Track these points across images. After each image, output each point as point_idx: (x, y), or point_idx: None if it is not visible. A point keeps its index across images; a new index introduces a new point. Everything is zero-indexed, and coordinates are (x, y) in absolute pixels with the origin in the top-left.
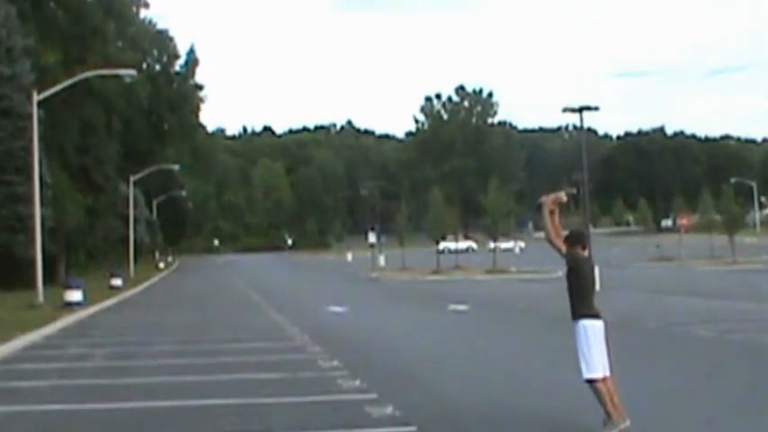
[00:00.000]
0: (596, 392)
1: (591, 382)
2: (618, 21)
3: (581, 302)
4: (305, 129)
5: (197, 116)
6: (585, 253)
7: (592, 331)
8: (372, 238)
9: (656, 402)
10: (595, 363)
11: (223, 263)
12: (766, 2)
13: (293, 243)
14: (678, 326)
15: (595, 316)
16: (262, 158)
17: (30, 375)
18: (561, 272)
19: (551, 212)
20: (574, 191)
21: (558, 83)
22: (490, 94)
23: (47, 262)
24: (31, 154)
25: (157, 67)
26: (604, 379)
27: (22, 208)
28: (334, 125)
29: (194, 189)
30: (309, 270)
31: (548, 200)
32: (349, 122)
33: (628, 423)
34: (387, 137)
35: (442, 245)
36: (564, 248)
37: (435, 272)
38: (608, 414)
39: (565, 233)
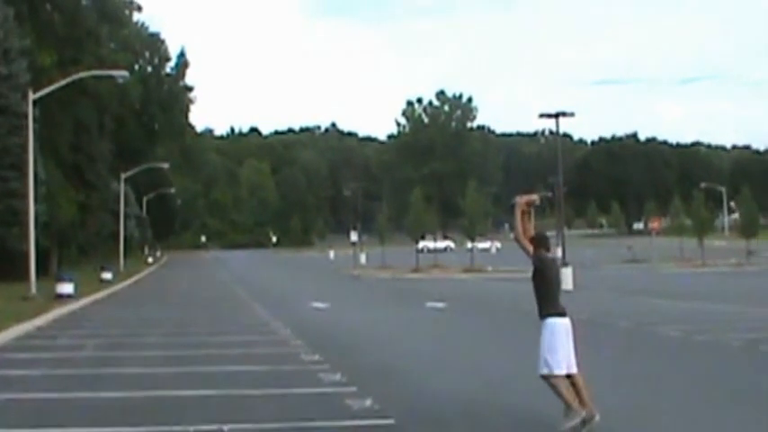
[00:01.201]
0: (553, 387)
1: (547, 377)
2: (593, 30)
3: (547, 302)
4: (290, 130)
5: (186, 117)
6: (549, 255)
7: (558, 329)
8: (354, 236)
9: (625, 398)
10: (559, 359)
11: (210, 258)
12: (736, 14)
13: (277, 240)
14: (648, 325)
15: (561, 314)
16: (248, 158)
17: (22, 364)
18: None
19: (523, 213)
20: (549, 194)
21: (535, 89)
22: (470, 99)
23: (40, 255)
24: (26, 151)
25: (149, 69)
26: (570, 375)
27: (16, 203)
28: (319, 127)
29: (183, 187)
30: (293, 267)
31: (521, 201)
32: (333, 125)
33: (597, 418)
34: (369, 139)
35: (422, 244)
36: (531, 249)
37: (414, 270)
38: (568, 405)
39: (532, 234)
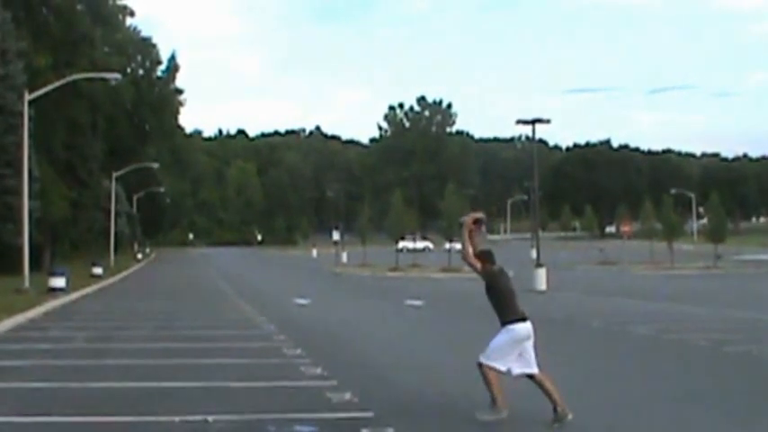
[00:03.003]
0: (484, 377)
1: (482, 366)
2: (569, 41)
3: (506, 310)
4: (276, 133)
5: (176, 118)
6: (496, 267)
7: (520, 333)
8: (336, 236)
9: (596, 396)
10: (504, 358)
11: (197, 256)
12: (704, 29)
13: (262, 239)
14: (619, 325)
15: (522, 319)
16: (235, 159)
17: (14, 355)
18: (511, 273)
19: (471, 232)
20: (525, 197)
21: (513, 97)
22: (449, 105)
23: (33, 250)
24: (21, 149)
25: (141, 72)
26: (532, 376)
27: (11, 199)
28: (304, 130)
29: (172, 186)
30: (277, 264)
31: (468, 219)
32: (317, 128)
33: (570, 416)
34: (352, 142)
35: (401, 244)
36: (479, 266)
37: (394, 269)
38: (494, 399)
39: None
